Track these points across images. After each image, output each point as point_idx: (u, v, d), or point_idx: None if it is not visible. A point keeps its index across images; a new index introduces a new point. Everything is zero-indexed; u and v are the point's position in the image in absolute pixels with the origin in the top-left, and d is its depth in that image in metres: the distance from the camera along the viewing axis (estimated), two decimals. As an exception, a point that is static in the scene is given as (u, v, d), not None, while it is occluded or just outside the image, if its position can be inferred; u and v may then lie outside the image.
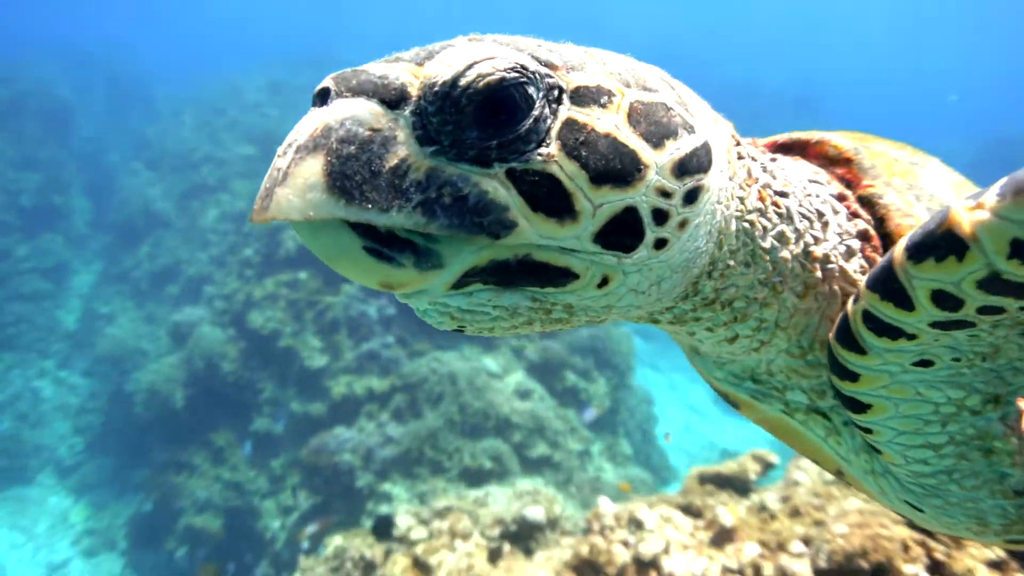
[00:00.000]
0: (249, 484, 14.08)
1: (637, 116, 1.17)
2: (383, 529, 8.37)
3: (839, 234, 1.56)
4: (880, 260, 1.53)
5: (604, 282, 1.20)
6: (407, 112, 1.07)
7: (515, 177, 1.07)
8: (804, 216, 1.53)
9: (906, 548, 4.20)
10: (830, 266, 1.54)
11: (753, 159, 1.53)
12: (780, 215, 1.50)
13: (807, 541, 5.06)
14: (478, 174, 1.06)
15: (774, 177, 1.55)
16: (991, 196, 1.08)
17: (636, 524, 5.82)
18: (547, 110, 1.10)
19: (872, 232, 1.58)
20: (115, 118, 31.06)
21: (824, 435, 1.75)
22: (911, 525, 4.34)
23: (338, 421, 13.53)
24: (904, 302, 1.25)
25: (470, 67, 1.06)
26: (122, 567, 14.60)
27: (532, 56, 1.12)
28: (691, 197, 1.22)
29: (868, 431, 1.57)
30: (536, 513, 7.72)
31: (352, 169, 1.01)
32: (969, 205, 1.11)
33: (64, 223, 22.73)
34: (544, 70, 1.12)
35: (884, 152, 1.71)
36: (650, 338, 23.77)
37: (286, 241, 16.18)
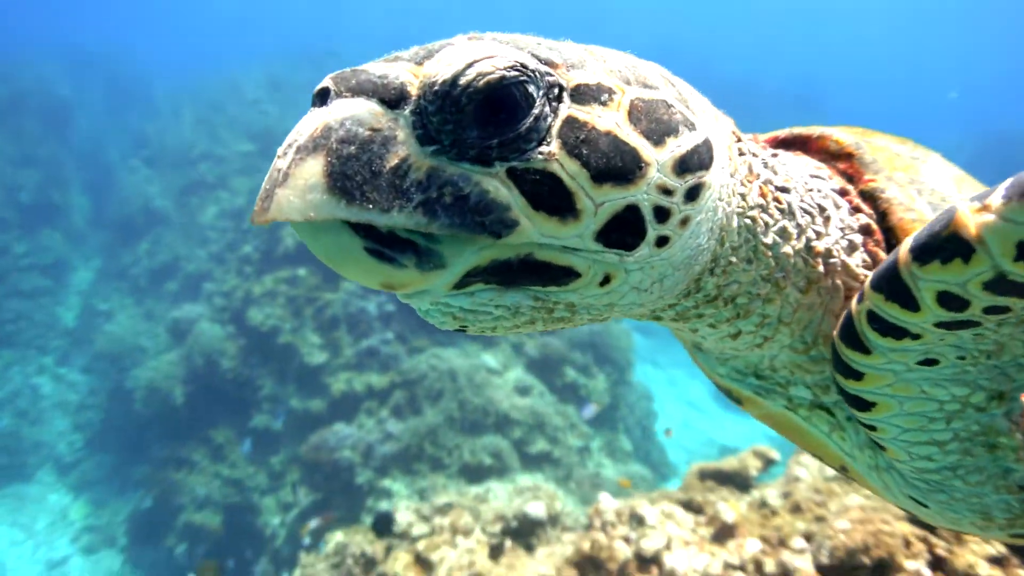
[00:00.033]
0: (249, 481, 14.08)
1: (638, 114, 1.16)
2: (383, 526, 8.37)
3: (841, 229, 1.56)
4: (885, 258, 1.53)
5: (606, 280, 1.19)
6: (407, 112, 1.06)
7: (516, 176, 1.07)
8: (806, 211, 1.53)
9: (908, 544, 4.20)
10: (832, 260, 1.53)
11: (754, 155, 1.53)
12: (782, 211, 1.50)
13: (808, 537, 5.06)
14: (479, 173, 1.06)
15: (775, 173, 1.55)
16: (997, 198, 1.08)
17: (637, 520, 5.82)
18: (547, 108, 1.10)
19: (874, 226, 1.58)
20: (114, 115, 31.08)
21: (828, 431, 1.75)
22: (913, 521, 4.34)
23: (338, 418, 13.54)
24: (909, 303, 1.25)
25: (470, 66, 1.06)
26: (121, 564, 14.61)
27: (532, 54, 1.12)
28: (692, 194, 1.22)
29: (872, 428, 1.57)
30: (537, 509, 7.72)
31: (353, 169, 1.01)
32: (975, 207, 1.10)
33: (63, 220, 22.75)
34: (544, 68, 1.11)
35: (885, 147, 1.71)
36: (649, 334, 23.81)
37: (285, 238, 16.19)
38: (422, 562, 7.23)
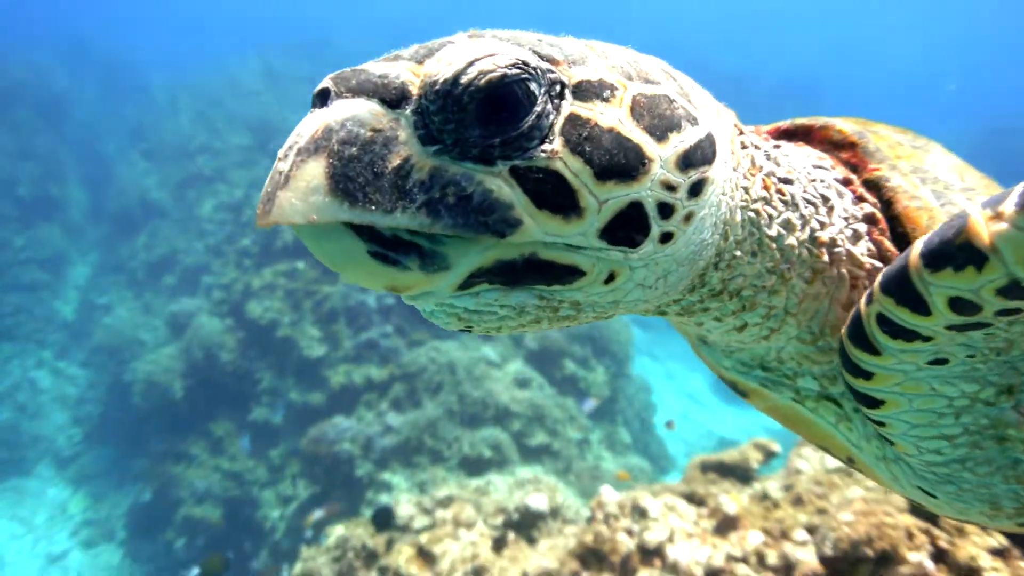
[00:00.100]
0: (248, 474, 14.10)
1: (640, 109, 1.16)
2: (383, 520, 8.39)
3: (845, 218, 1.56)
4: (890, 247, 1.54)
5: (611, 278, 1.19)
6: (408, 111, 1.06)
7: (519, 175, 1.06)
8: (809, 202, 1.53)
9: (910, 536, 4.22)
10: (837, 250, 1.53)
11: (756, 147, 1.53)
12: (785, 202, 1.50)
13: (811, 529, 5.08)
14: (482, 172, 1.05)
15: (778, 164, 1.54)
16: (1010, 205, 1.07)
17: (640, 512, 5.83)
18: (549, 106, 1.09)
19: (879, 215, 1.57)
20: (111, 108, 30.99)
21: (835, 422, 1.74)
22: (915, 512, 4.35)
23: (337, 411, 13.54)
24: (920, 307, 1.24)
25: (471, 64, 1.05)
26: (121, 558, 14.62)
27: (533, 51, 1.11)
28: (696, 190, 1.21)
29: (881, 424, 1.56)
30: (539, 502, 7.74)
31: (354, 171, 1.00)
32: (987, 214, 1.09)
33: (61, 214, 22.70)
34: (546, 65, 1.10)
35: (888, 136, 1.71)
36: (648, 327, 23.85)
37: (284, 231, 16.15)
38: (424, 555, 7.24)
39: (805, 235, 1.51)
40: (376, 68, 1.10)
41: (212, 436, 14.74)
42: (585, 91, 1.12)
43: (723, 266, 1.44)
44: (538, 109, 1.07)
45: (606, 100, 1.13)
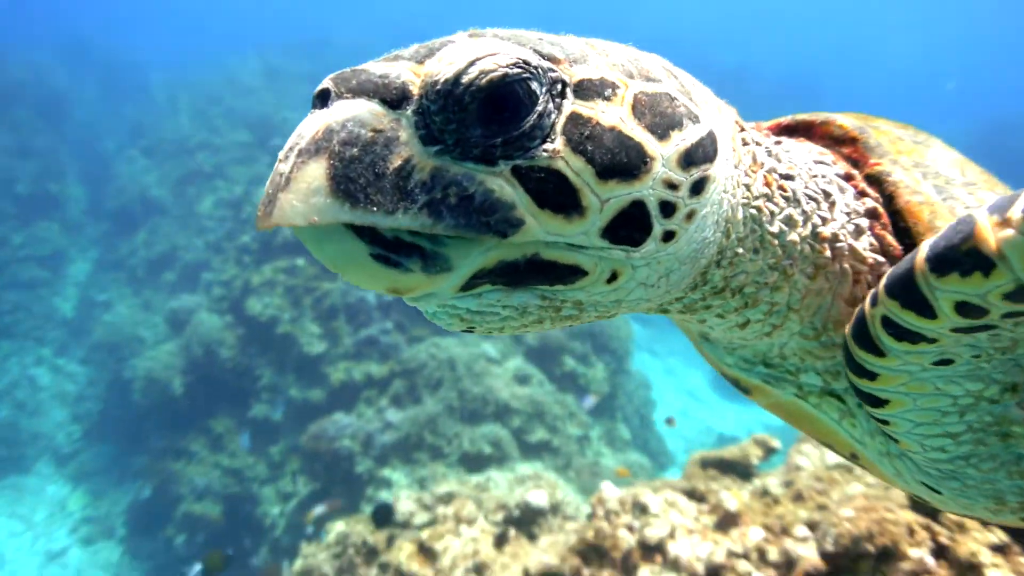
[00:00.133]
0: (248, 471, 14.10)
1: (641, 108, 1.16)
2: (382, 517, 8.39)
3: (847, 213, 1.55)
4: (892, 242, 1.54)
5: (613, 277, 1.19)
6: (409, 112, 1.06)
7: (521, 174, 1.06)
8: (811, 198, 1.53)
9: (911, 532, 4.23)
10: (839, 245, 1.53)
11: (758, 144, 1.53)
12: (787, 198, 1.50)
13: (811, 525, 5.08)
14: (483, 172, 1.05)
15: (779, 160, 1.54)
16: (1017, 211, 1.07)
17: (640, 509, 5.84)
18: (551, 105, 1.09)
19: (881, 210, 1.57)
20: (110, 105, 30.95)
21: (838, 418, 1.74)
22: (916, 509, 4.36)
23: (337, 407, 13.55)
24: (926, 311, 1.24)
25: (472, 64, 1.05)
26: (121, 555, 14.64)
27: (534, 50, 1.11)
28: (698, 188, 1.21)
29: (885, 423, 1.56)
30: (539, 498, 7.75)
31: (356, 172, 1.00)
32: (994, 220, 1.09)
33: (60, 211, 22.67)
34: (547, 64, 1.10)
35: (889, 132, 1.71)
36: (648, 323, 23.86)
37: (283, 228, 16.11)
38: (426, 551, 7.24)
39: (807, 231, 1.50)
40: (376, 68, 1.10)
41: (212, 433, 14.74)
42: (586, 90, 1.12)
43: (725, 263, 1.44)
44: (540, 108, 1.07)
45: (607, 99, 1.13)
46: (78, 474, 16.57)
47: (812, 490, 5.51)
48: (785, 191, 1.50)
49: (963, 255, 1.13)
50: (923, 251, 1.21)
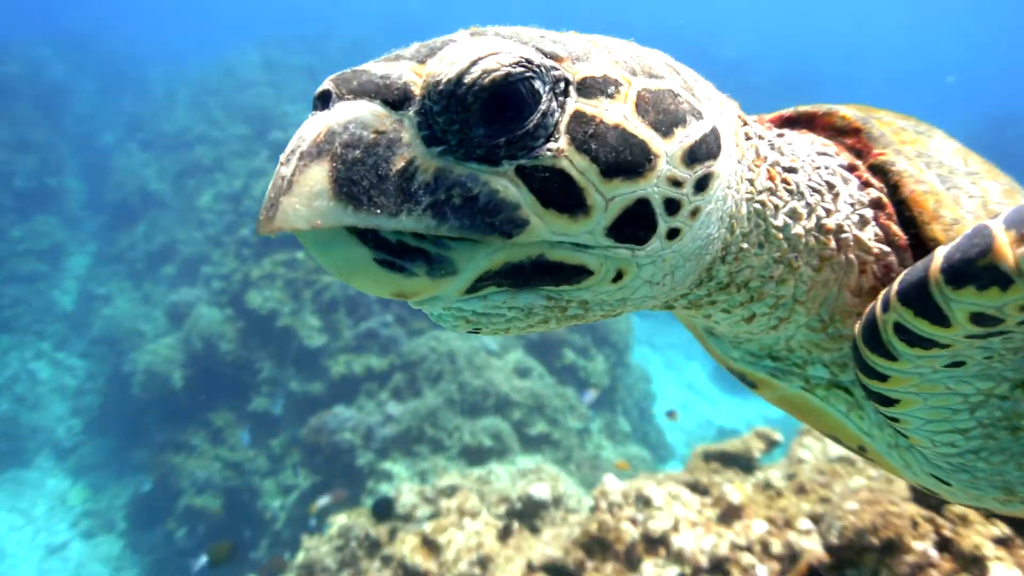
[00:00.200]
0: (249, 464, 14.12)
1: (645, 105, 1.15)
2: (383, 511, 8.40)
3: (851, 204, 1.55)
4: (897, 231, 1.54)
5: (619, 276, 1.18)
6: (411, 112, 1.05)
7: (525, 174, 1.05)
8: (814, 190, 1.52)
9: (915, 525, 4.24)
10: (844, 236, 1.52)
11: (760, 138, 1.52)
12: (790, 191, 1.49)
13: (814, 518, 5.10)
14: (487, 173, 1.04)
15: (782, 154, 1.54)
16: None
17: (644, 501, 5.85)
18: (554, 103, 1.08)
19: (885, 200, 1.56)
20: (108, 99, 30.82)
21: (846, 410, 1.74)
22: (919, 501, 4.37)
23: (337, 400, 13.58)
24: (940, 320, 1.24)
25: (474, 63, 1.04)
26: (121, 548, 14.65)
27: (537, 48, 1.10)
28: (702, 184, 1.21)
29: (895, 420, 1.56)
30: (542, 491, 7.77)
31: (358, 174, 0.99)
32: (1012, 236, 1.09)
33: (59, 205, 22.64)
34: (549, 63, 1.09)
35: (891, 122, 1.70)
36: (647, 316, 23.86)
37: (283, 222, 16.11)
38: (429, 544, 7.25)
39: (811, 223, 1.50)
40: (377, 69, 1.09)
41: (212, 426, 14.75)
42: (589, 88, 1.12)
43: (730, 259, 1.43)
44: (543, 107, 1.06)
45: (611, 96, 1.13)
46: (78, 468, 16.57)
47: (815, 483, 5.53)
48: (788, 184, 1.49)
49: (980, 270, 1.13)
50: (938, 260, 1.20)
